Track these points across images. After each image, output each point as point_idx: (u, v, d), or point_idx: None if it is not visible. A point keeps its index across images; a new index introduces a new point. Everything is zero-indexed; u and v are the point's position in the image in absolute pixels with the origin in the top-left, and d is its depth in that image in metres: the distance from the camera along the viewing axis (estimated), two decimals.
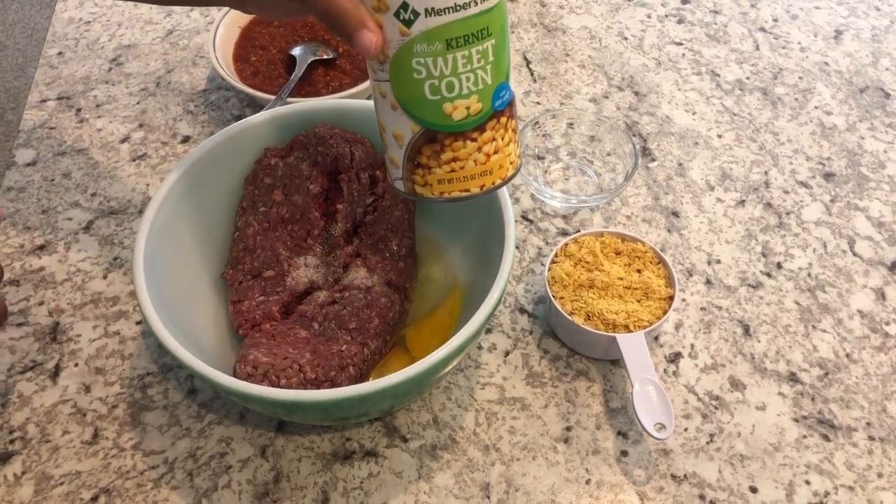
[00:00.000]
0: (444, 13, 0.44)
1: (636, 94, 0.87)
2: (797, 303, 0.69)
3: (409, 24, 0.45)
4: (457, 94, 0.47)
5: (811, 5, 0.99)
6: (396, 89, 0.48)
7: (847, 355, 0.66)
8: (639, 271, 0.65)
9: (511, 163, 0.52)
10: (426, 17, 0.44)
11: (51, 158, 0.79)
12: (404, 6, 0.44)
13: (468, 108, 0.48)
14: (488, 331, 0.66)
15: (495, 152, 0.50)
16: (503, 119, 0.50)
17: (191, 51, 0.91)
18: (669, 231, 0.74)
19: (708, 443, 0.60)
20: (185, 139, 0.81)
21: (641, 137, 0.82)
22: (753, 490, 0.58)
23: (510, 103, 0.50)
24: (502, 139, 0.50)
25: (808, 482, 0.58)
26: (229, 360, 0.58)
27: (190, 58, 0.90)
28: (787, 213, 0.76)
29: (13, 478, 0.57)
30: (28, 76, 1.88)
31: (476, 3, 0.45)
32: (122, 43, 0.92)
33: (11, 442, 0.59)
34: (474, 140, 0.49)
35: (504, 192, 0.59)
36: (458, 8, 0.44)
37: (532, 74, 0.88)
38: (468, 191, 0.51)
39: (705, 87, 0.88)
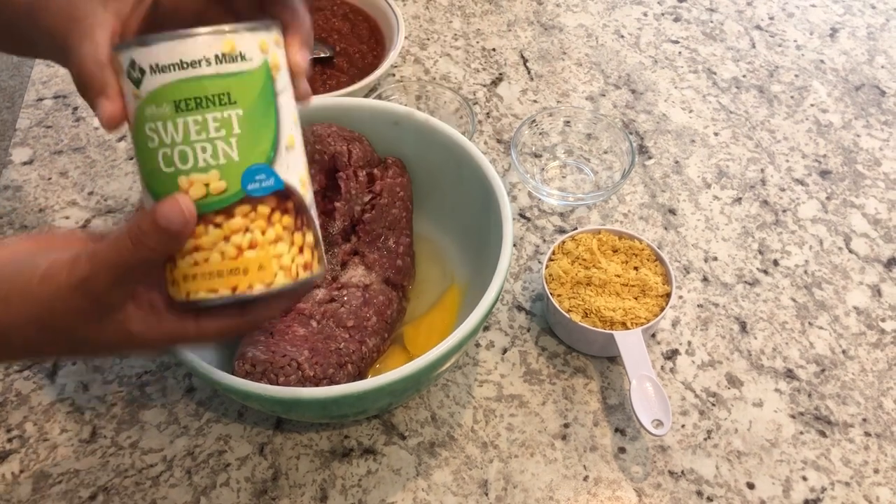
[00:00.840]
0: (169, 70, 0.39)
1: (633, 91, 0.87)
2: (794, 300, 0.69)
3: (138, 83, 0.40)
4: (191, 166, 0.40)
5: (807, 3, 0.99)
6: (138, 161, 0.42)
7: (843, 352, 0.66)
8: (636, 269, 0.65)
9: (283, 268, 0.42)
10: (151, 74, 0.40)
11: (48, 157, 0.79)
12: (132, 64, 0.40)
13: (207, 184, 0.40)
14: (486, 328, 0.66)
15: (250, 247, 0.41)
16: (264, 209, 0.41)
17: None
18: (666, 228, 0.74)
19: (705, 439, 0.60)
20: None
21: (638, 135, 0.82)
22: (751, 486, 0.58)
23: (281, 195, 0.41)
24: (262, 233, 0.41)
25: (804, 478, 0.58)
26: (228, 358, 0.58)
27: None
28: (784, 211, 0.76)
29: (11, 476, 0.57)
30: (23, 75, 1.87)
31: (210, 63, 0.39)
32: None
33: (9, 440, 0.59)
34: (219, 226, 0.41)
35: (501, 190, 0.59)
36: (186, 66, 0.39)
37: (529, 72, 0.88)
38: (216, 291, 0.41)
39: (702, 84, 0.88)
